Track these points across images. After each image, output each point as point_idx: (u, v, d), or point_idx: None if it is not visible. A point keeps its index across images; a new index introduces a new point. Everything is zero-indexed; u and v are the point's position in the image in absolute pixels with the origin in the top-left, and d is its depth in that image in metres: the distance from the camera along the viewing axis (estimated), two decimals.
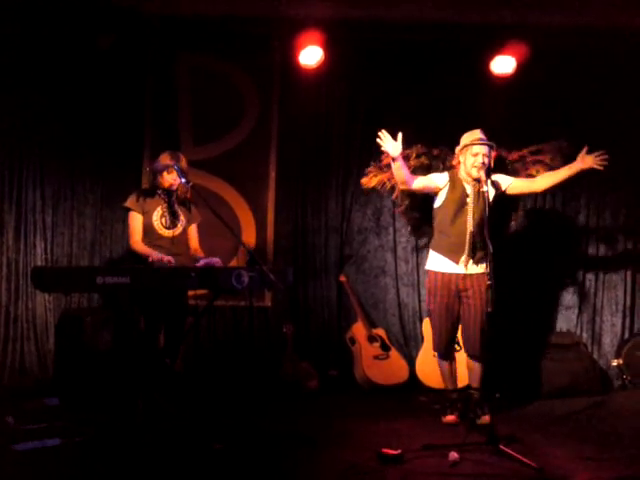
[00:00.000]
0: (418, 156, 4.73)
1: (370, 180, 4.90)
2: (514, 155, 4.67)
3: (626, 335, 5.49)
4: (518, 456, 3.36)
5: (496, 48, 5.26)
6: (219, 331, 5.48)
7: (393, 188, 4.85)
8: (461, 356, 4.37)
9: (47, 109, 5.34)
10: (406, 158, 4.69)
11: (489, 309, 3.64)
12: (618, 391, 5.19)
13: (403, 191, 4.72)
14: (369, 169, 4.92)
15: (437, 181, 4.24)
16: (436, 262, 4.24)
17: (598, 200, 5.63)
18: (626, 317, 5.54)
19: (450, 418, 4.22)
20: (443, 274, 4.18)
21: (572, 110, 5.50)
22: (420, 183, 4.24)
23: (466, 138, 4.18)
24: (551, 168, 4.59)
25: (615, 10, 4.96)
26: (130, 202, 4.18)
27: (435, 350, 4.32)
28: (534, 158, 4.67)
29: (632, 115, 5.50)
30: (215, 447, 3.51)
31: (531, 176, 4.62)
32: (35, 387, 4.92)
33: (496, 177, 4.22)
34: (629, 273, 5.57)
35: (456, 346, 4.35)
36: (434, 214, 4.32)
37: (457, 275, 4.15)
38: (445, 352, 4.27)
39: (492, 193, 4.16)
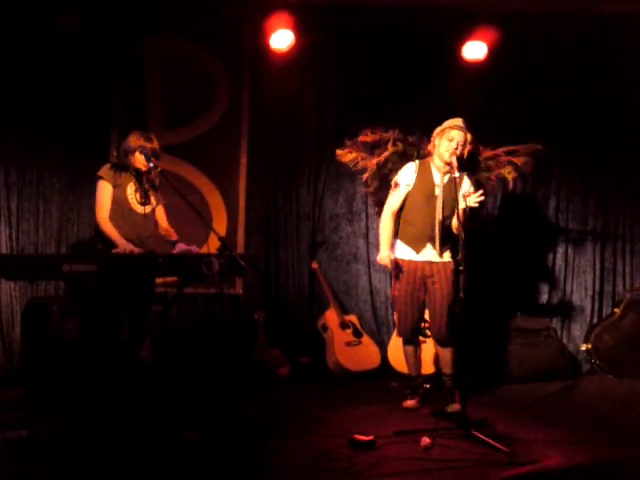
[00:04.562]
0: (395, 143, 4.70)
1: (345, 154, 4.84)
2: (489, 152, 4.66)
3: (595, 320, 5.57)
4: (489, 441, 3.38)
5: (467, 33, 5.25)
6: (189, 319, 5.43)
7: (364, 168, 4.81)
8: (428, 343, 4.38)
9: (10, 93, 5.20)
10: (383, 143, 4.67)
11: (461, 295, 3.65)
12: (587, 375, 5.27)
13: (374, 173, 4.71)
14: (347, 142, 4.87)
15: (406, 185, 4.22)
16: (401, 250, 4.23)
17: (568, 186, 5.68)
18: (595, 302, 5.63)
19: (410, 403, 4.25)
20: (409, 262, 4.17)
21: (544, 98, 5.52)
22: (400, 202, 4.24)
23: (446, 123, 4.16)
24: (521, 171, 4.65)
25: None
26: (103, 171, 4.02)
27: (400, 336, 4.31)
28: (507, 158, 4.68)
29: (603, 101, 5.55)
30: (186, 435, 3.47)
31: (501, 175, 4.65)
32: (1, 377, 4.83)
33: (468, 183, 4.22)
34: (598, 259, 5.65)
35: (427, 331, 4.36)
36: (402, 205, 4.30)
37: (423, 262, 4.15)
38: (410, 338, 4.26)
39: (465, 187, 4.14)
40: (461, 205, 3.87)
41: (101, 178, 4.02)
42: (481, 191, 3.94)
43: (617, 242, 5.67)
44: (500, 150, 4.66)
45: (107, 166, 4.07)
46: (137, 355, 4.22)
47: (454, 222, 4.02)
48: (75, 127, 5.31)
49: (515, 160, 4.69)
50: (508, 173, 4.68)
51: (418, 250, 4.16)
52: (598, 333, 5.26)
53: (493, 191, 5.10)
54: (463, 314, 3.74)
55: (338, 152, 4.84)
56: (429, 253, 4.14)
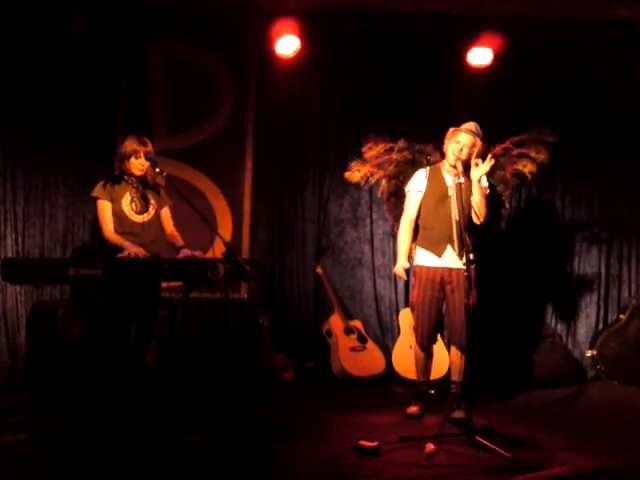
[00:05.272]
0: (400, 150, 4.70)
1: (353, 174, 4.88)
2: (498, 149, 4.63)
3: (600, 326, 5.54)
4: (494, 447, 3.37)
5: (472, 39, 5.25)
6: (194, 323, 5.43)
7: (376, 182, 4.83)
8: (437, 350, 4.37)
9: (16, 97, 5.22)
10: (389, 151, 4.67)
11: (466, 300, 3.65)
12: (592, 382, 5.24)
13: (389, 187, 4.71)
14: (352, 164, 4.90)
15: (418, 191, 4.24)
16: (421, 257, 4.20)
17: (572, 191, 5.66)
18: (600, 308, 5.59)
19: (413, 409, 4.21)
20: (428, 268, 4.14)
21: (550, 102, 5.50)
22: (415, 209, 4.26)
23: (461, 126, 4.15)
24: (538, 162, 4.61)
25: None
26: (97, 191, 4.04)
27: (418, 343, 4.25)
28: (519, 151, 4.63)
29: (608, 107, 5.53)
30: (190, 440, 3.47)
31: (518, 172, 4.62)
32: (6, 380, 4.83)
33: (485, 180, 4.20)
34: (603, 265, 5.62)
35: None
36: (418, 212, 4.29)
37: (443, 269, 4.11)
38: (427, 344, 4.22)
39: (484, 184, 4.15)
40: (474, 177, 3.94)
41: (97, 198, 4.03)
42: (490, 156, 3.93)
43: (623, 248, 5.64)
44: (508, 142, 4.62)
45: (99, 185, 4.06)
46: (142, 359, 4.21)
47: (475, 207, 4.01)
48: (80, 131, 5.31)
49: (527, 151, 4.62)
50: (523, 167, 4.62)
51: (440, 254, 4.11)
52: (603, 339, 5.24)
53: (510, 190, 4.93)
54: (470, 319, 3.73)
55: (346, 175, 4.91)
56: (450, 257, 4.08)
